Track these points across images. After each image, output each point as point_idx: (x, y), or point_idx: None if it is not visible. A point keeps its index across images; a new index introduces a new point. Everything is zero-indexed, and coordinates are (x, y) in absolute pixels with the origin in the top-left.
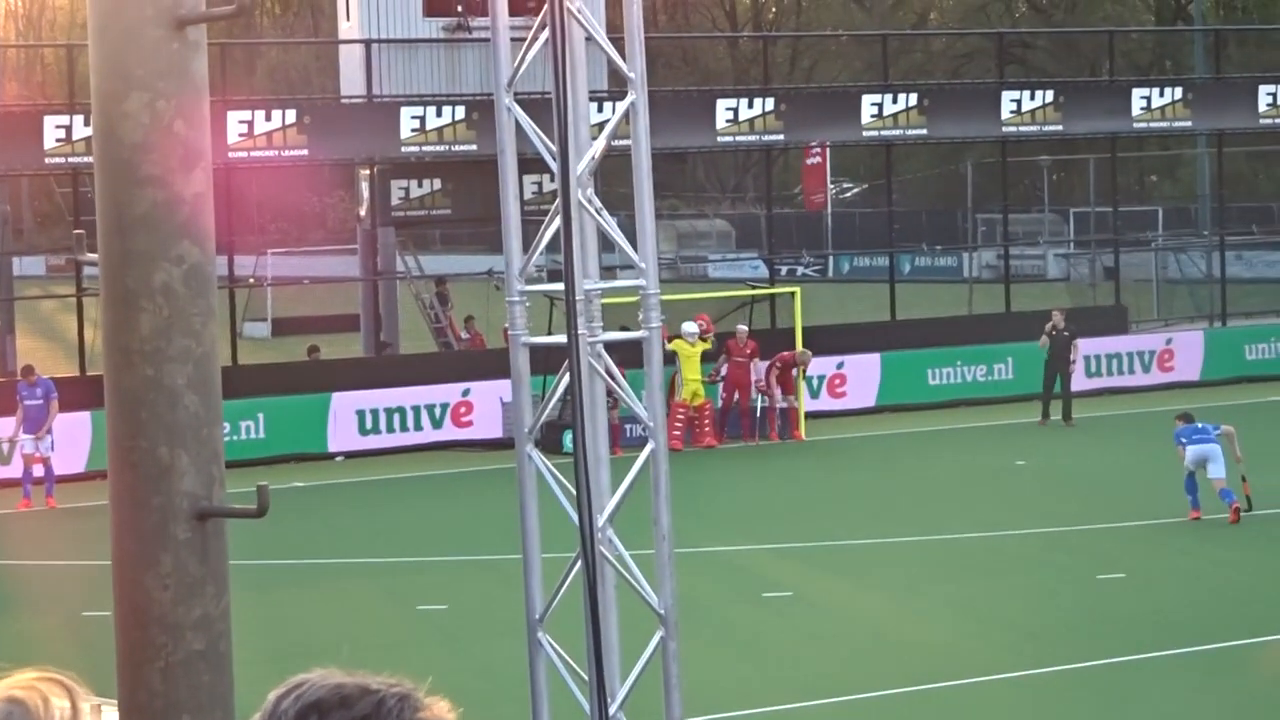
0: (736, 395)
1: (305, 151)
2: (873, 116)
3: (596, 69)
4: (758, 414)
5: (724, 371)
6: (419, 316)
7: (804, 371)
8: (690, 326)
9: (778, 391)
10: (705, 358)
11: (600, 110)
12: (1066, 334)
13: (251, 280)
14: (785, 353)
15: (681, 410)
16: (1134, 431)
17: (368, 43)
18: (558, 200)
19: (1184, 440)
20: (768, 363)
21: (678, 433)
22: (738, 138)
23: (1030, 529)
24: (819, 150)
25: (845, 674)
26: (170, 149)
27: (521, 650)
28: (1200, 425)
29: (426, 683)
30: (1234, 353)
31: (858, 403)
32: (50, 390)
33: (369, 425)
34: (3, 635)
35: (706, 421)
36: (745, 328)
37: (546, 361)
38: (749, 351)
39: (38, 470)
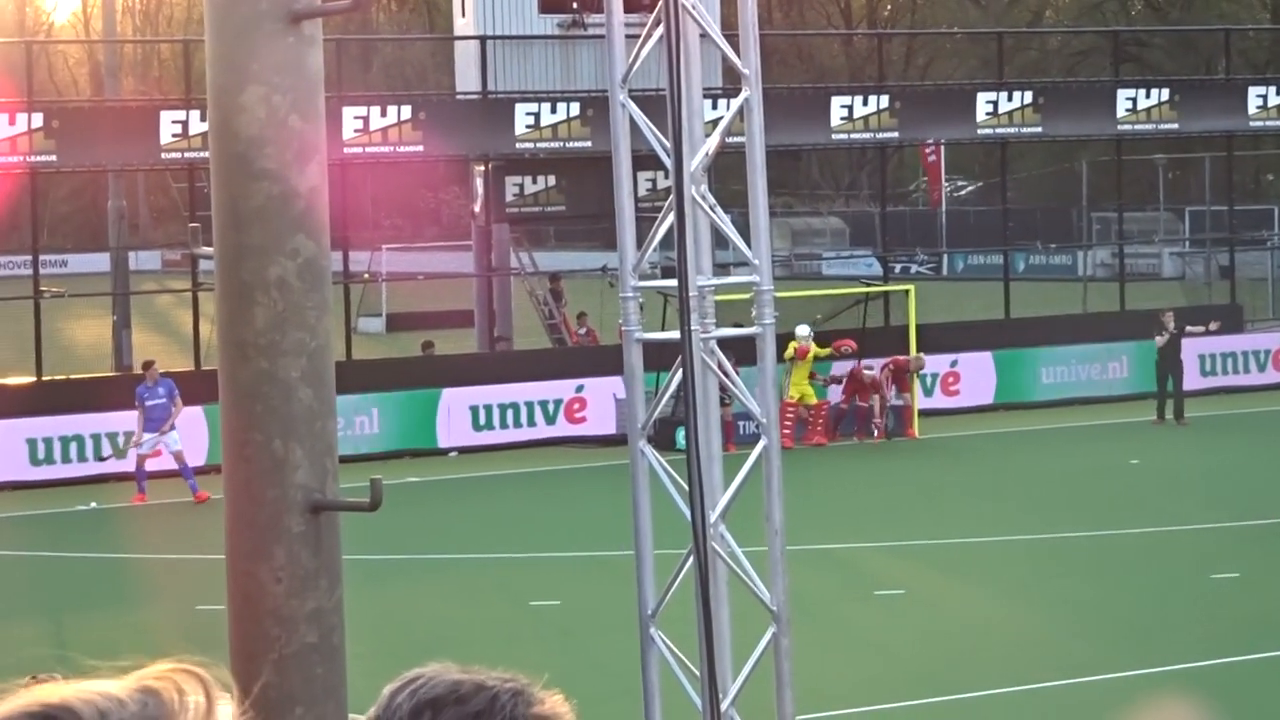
0: (855, 398)
1: (420, 147)
2: (987, 114)
3: (711, 66)
4: (875, 415)
5: (842, 382)
6: (533, 313)
7: (918, 373)
8: (802, 329)
9: (890, 391)
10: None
11: (714, 107)
12: (1175, 332)
13: (366, 276)
14: (900, 357)
15: (791, 409)
16: (1248, 431)
17: (483, 39)
18: (671, 197)
19: None
20: (881, 363)
21: (788, 430)
22: (852, 135)
23: (1144, 528)
24: (934, 148)
25: (957, 672)
26: (285, 143)
27: (634, 646)
28: None
29: (543, 679)
30: None
31: (971, 401)
32: (172, 390)
33: (483, 421)
34: (118, 628)
35: (820, 421)
36: (873, 372)
37: (660, 358)
38: (868, 383)
39: (152, 464)
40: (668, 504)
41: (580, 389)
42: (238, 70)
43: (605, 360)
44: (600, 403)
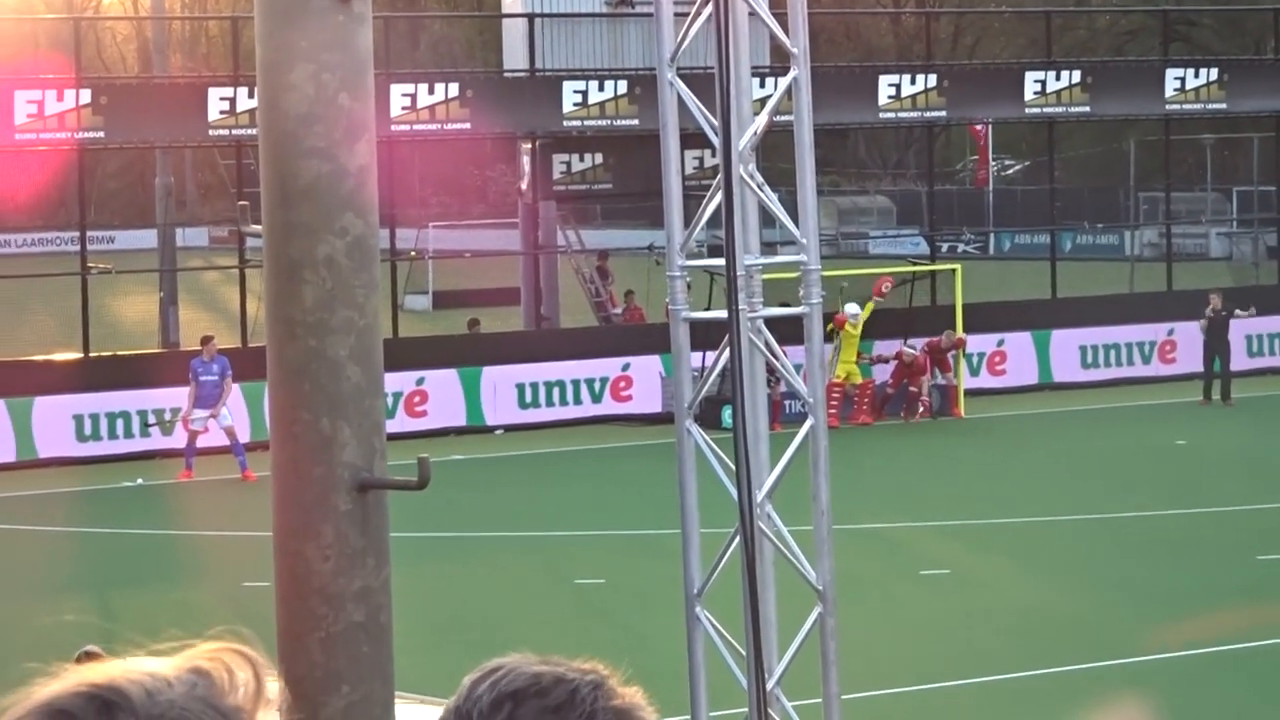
0: (906, 382)
1: (467, 125)
2: (1035, 93)
3: (759, 44)
4: (922, 394)
5: (891, 366)
6: (579, 291)
7: (964, 351)
8: (852, 308)
9: (933, 374)
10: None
11: (763, 86)
12: (1224, 314)
13: (413, 253)
14: (933, 338)
15: (837, 388)
16: None
17: (531, 17)
18: (719, 175)
19: None
20: (920, 346)
21: (834, 409)
22: (900, 114)
23: (1190, 508)
24: (981, 127)
25: (1002, 652)
26: (335, 121)
27: (679, 625)
28: None
29: (621, 668)
30: None
31: (1017, 380)
32: (226, 369)
33: (528, 399)
34: (164, 605)
35: (866, 400)
36: (915, 351)
37: (707, 337)
38: (910, 364)
39: (200, 440)
40: (714, 483)
41: (626, 367)
42: (287, 48)
43: (651, 338)
44: (646, 381)
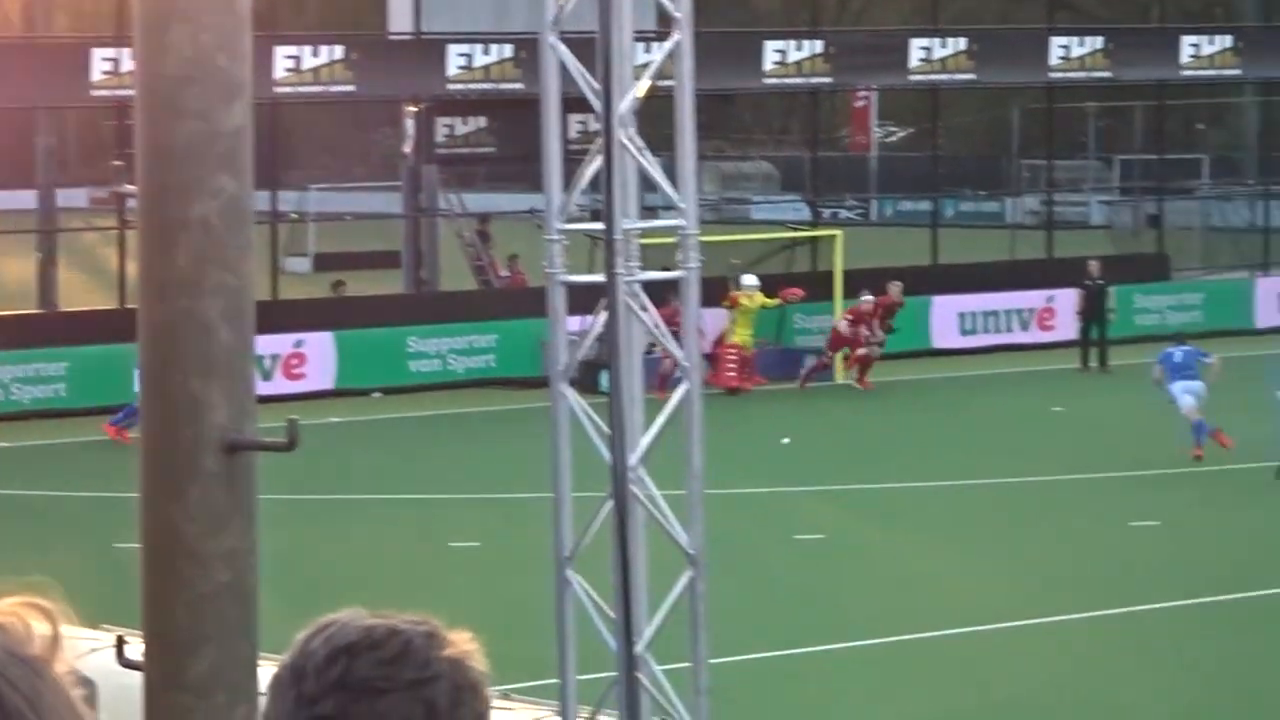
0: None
1: (352, 88)
2: (921, 60)
3: (645, 9)
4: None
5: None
6: (460, 254)
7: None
8: (750, 279)
9: (880, 334)
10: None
11: (648, 50)
12: (1101, 283)
13: (293, 215)
14: (882, 296)
15: (733, 350)
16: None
17: None
18: (599, 139)
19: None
20: (861, 311)
21: (731, 371)
22: (785, 80)
23: (1065, 475)
24: (866, 93)
25: (875, 617)
26: (211, 82)
27: (552, 588)
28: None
29: (447, 617)
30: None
31: (896, 346)
32: None
33: (407, 362)
34: (33, 568)
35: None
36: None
37: (589, 301)
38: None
39: None
40: (590, 447)
41: (503, 331)
42: (165, 7)
43: (531, 302)
44: (525, 344)
